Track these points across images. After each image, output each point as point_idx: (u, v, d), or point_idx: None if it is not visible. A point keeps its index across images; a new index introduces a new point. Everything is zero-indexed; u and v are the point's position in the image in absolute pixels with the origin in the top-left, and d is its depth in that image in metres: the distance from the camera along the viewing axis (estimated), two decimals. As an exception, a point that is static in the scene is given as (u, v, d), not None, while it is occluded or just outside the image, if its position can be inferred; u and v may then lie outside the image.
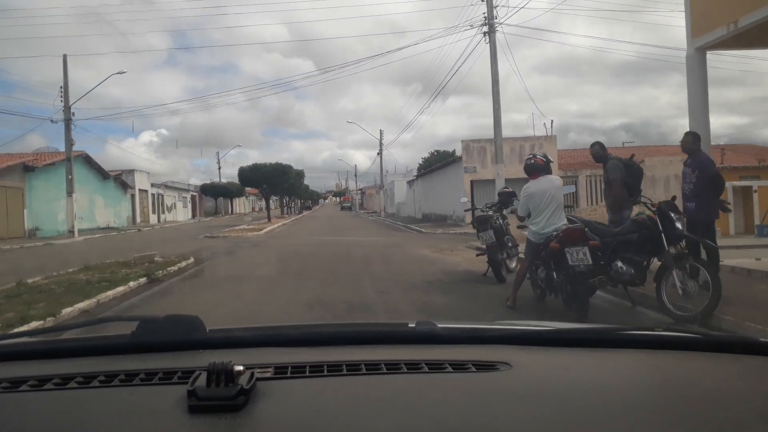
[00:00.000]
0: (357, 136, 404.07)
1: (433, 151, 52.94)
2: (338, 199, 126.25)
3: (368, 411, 0.90)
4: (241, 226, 30.32)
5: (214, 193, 61.90)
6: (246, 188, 55.79)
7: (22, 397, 0.97)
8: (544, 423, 0.84)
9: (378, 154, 48.63)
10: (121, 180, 38.80)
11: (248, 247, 16.75)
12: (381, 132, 48.02)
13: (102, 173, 35.64)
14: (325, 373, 1.04)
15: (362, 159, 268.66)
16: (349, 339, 1.31)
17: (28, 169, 26.68)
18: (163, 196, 48.63)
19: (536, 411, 0.88)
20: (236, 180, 41.45)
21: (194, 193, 60.31)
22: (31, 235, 25.88)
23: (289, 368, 1.05)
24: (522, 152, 25.54)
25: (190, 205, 57.56)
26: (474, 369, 1.06)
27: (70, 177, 26.10)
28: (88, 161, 33.64)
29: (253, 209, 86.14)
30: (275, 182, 35.64)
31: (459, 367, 1.07)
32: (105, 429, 0.85)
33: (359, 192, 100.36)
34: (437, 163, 41.16)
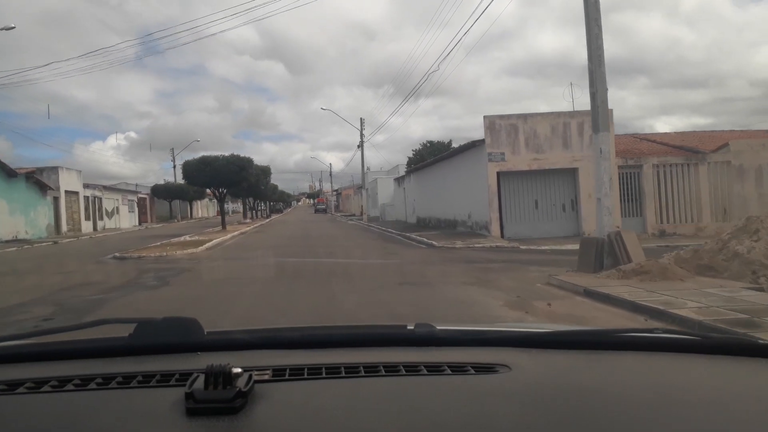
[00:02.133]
0: (331, 138, 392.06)
1: (425, 142, 45.57)
2: (312, 200, 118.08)
3: (366, 413, 0.89)
4: (182, 238, 22.78)
5: (168, 195, 53.28)
6: (207, 189, 47.49)
7: (19, 399, 0.96)
8: (542, 425, 0.83)
9: (358, 146, 41.01)
10: (35, 179, 30.43)
11: (144, 291, 9.14)
12: (362, 120, 40.39)
13: (6, 171, 27.52)
14: (323, 375, 1.03)
15: (335, 161, 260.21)
16: (348, 341, 1.29)
17: None
18: (101, 199, 40.33)
19: (535, 413, 0.88)
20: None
21: (144, 196, 51.90)
22: None
23: (287, 370, 1.04)
24: (567, 132, 18.35)
25: (137, 210, 49.20)
26: (473, 371, 1.05)
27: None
28: (-20, 154, 25.56)
29: (218, 213, 77.58)
30: (231, 180, 27.48)
31: (458, 369, 1.06)
32: (102, 431, 0.84)
33: (334, 193, 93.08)
34: (431, 157, 33.88)
